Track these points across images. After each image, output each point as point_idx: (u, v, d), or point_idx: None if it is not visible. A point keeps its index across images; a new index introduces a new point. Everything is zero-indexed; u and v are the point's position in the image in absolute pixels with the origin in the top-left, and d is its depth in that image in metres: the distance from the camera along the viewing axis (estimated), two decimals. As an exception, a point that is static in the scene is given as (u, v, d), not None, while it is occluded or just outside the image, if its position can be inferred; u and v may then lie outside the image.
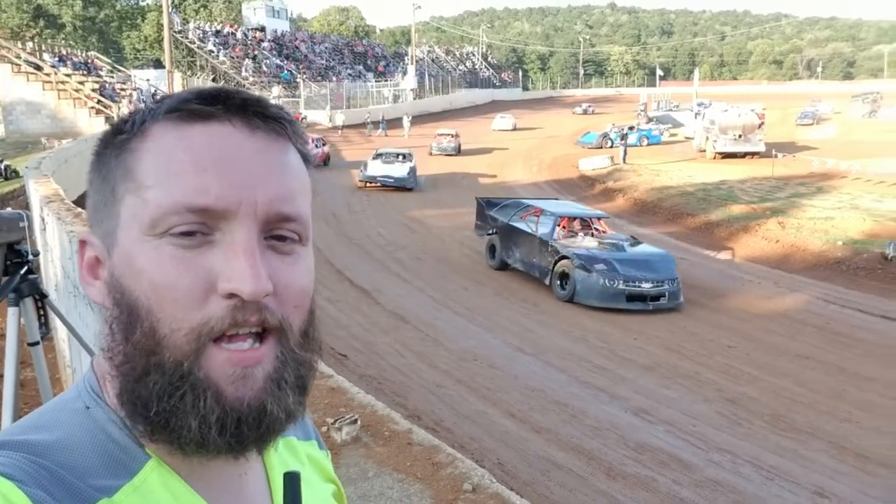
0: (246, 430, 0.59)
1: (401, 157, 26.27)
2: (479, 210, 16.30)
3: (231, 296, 0.58)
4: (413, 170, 25.27)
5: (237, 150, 0.60)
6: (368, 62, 65.57)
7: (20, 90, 31.63)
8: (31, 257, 2.38)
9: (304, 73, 51.49)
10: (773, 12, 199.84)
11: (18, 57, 32.36)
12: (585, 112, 60.07)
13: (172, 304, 0.58)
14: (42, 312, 2.47)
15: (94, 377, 0.65)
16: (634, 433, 7.83)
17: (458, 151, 34.04)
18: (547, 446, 7.35)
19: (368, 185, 24.73)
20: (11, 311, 2.38)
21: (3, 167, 24.39)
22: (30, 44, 37.49)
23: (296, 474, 0.68)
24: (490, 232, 15.43)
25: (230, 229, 0.59)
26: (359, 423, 4.15)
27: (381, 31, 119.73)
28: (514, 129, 47.31)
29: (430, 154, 32.95)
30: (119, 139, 0.63)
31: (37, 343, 2.49)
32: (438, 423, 7.63)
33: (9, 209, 2.55)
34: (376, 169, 24.90)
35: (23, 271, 2.35)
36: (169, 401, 0.58)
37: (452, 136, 35.21)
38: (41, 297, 2.45)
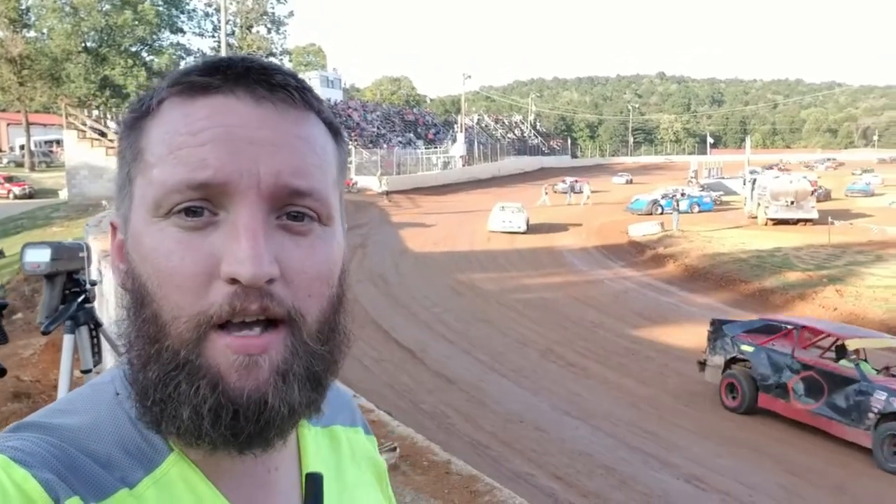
0: (243, 422, 0.55)
1: None
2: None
3: (233, 281, 0.54)
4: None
5: (240, 123, 0.56)
6: (419, 130, 66.93)
7: (84, 155, 33.16)
8: (88, 286, 2.47)
9: (356, 140, 52.81)
10: (827, 81, 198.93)
11: (84, 124, 34.07)
12: (571, 190, 43.69)
13: (175, 290, 0.55)
14: (96, 341, 2.53)
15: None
16: (687, 501, 7.51)
17: None
18: (595, 512, 7.11)
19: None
20: (67, 339, 2.44)
21: None
22: (95, 112, 39.37)
23: (318, 476, 0.65)
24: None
25: (234, 207, 0.55)
26: (398, 451, 4.15)
27: (432, 100, 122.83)
28: (527, 229, 27.73)
29: None
30: (131, 119, 0.61)
31: (89, 371, 2.54)
32: (482, 484, 7.45)
33: (70, 239, 2.65)
34: None
35: (80, 300, 2.43)
36: (164, 389, 0.55)
37: None
38: (96, 326, 2.52)
